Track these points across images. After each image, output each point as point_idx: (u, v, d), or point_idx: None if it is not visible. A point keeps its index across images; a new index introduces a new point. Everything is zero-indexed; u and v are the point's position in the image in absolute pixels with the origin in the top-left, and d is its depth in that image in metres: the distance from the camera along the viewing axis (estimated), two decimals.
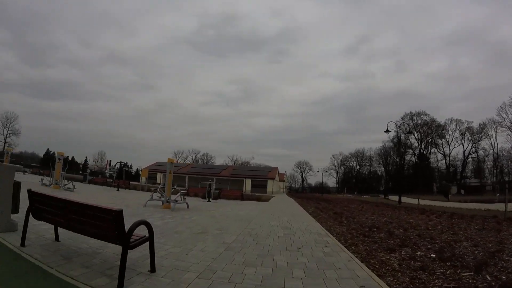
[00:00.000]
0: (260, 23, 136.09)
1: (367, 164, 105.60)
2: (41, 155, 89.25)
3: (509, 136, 66.90)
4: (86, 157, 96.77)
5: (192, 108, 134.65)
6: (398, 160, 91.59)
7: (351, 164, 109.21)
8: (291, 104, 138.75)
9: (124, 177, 71.00)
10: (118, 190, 26.22)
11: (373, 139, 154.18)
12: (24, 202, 5.11)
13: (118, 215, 3.41)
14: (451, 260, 5.50)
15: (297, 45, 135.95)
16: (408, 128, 24.33)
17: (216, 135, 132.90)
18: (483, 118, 75.45)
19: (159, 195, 14.35)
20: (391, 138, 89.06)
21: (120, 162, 31.33)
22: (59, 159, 22.23)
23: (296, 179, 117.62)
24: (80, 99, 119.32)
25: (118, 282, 3.25)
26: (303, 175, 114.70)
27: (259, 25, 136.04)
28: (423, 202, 28.96)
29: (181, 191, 14.46)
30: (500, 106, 66.68)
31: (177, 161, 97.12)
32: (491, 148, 74.50)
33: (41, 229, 5.55)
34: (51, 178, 22.28)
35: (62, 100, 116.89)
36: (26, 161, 66.57)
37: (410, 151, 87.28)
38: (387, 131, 25.84)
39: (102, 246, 4.86)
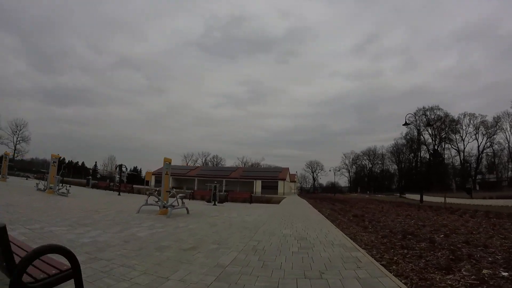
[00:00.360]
0: (269, 23, 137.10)
1: (379, 162, 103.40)
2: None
3: None
4: (96, 162, 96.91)
5: (203, 110, 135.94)
6: (413, 156, 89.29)
7: (363, 163, 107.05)
8: (301, 105, 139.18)
9: (132, 180, 70.88)
10: (119, 194, 24.89)
11: (384, 138, 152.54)
12: None
13: None
14: None
15: (306, 45, 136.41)
16: (427, 120, 22.25)
17: (227, 136, 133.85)
18: (497, 112, 72.26)
19: (156, 199, 12.76)
20: (403, 135, 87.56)
21: (121, 164, 29.80)
22: (53, 162, 20.93)
23: (307, 180, 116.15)
24: (92, 105, 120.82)
25: None
26: (314, 175, 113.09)
27: (268, 26, 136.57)
28: (438, 199, 26.86)
29: (179, 195, 12.79)
30: None
31: (187, 164, 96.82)
32: (507, 142, 71.68)
33: None
34: (46, 183, 21.10)
35: (74, 105, 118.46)
36: (37, 167, 65.84)
37: (424, 147, 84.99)
38: (406, 124, 23.89)
39: None
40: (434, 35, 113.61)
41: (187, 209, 12.64)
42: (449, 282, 4.06)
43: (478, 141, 77.71)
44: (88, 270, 3.84)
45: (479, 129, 76.53)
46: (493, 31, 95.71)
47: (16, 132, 73.91)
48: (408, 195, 42.76)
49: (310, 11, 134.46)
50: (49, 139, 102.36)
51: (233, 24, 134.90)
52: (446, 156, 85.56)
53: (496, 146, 74.38)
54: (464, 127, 78.90)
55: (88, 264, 4.17)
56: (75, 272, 2.38)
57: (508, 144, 71.35)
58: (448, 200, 26.58)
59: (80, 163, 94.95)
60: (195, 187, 62.15)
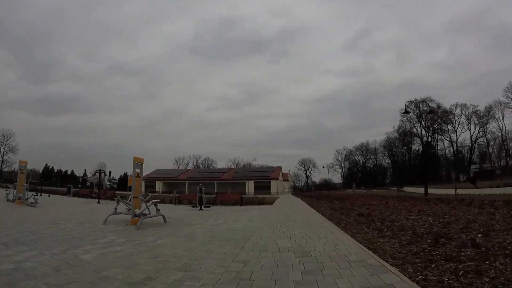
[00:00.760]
0: (260, 24, 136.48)
1: (373, 157, 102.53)
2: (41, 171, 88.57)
3: None
4: (85, 170, 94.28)
5: (198, 114, 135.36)
6: (406, 149, 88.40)
7: (356, 158, 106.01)
8: (296, 104, 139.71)
9: (123, 187, 68.71)
10: (98, 202, 22.77)
11: (378, 133, 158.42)
12: None
13: None
14: None
15: (298, 44, 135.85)
16: (428, 108, 20.69)
17: (224, 139, 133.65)
18: (489, 102, 72.12)
19: (128, 207, 10.72)
20: (396, 128, 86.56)
21: (100, 169, 27.63)
22: (21, 169, 18.77)
23: (300, 178, 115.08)
24: (85, 113, 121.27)
25: None
26: (307, 173, 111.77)
27: (259, 26, 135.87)
28: (449, 191, 25.33)
29: (152, 201, 10.81)
30: (507, 87, 63.23)
31: (178, 167, 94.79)
32: (499, 131, 71.36)
33: None
34: (14, 191, 19.12)
35: (66, 115, 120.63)
36: (27, 178, 63.01)
37: (418, 139, 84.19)
38: (406, 112, 22.29)
39: None
40: (424, 28, 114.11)
41: (163, 217, 10.66)
42: None
43: (470, 131, 77.41)
44: None
45: (471, 119, 76.32)
46: (482, 22, 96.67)
47: (3, 142, 72.78)
48: (406, 189, 41.26)
49: (301, 10, 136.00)
50: (39, 149, 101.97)
51: (225, 26, 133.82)
52: (439, 147, 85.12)
53: (489, 135, 74.17)
54: (456, 118, 78.69)
55: None
56: None
57: (501, 133, 71.11)
58: (453, 191, 25.05)
59: (69, 172, 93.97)
60: (186, 191, 60.05)
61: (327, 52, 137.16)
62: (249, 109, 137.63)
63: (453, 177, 57.77)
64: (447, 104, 76.45)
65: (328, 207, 16.59)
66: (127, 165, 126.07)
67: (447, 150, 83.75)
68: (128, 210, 10.48)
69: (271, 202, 23.40)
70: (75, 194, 34.38)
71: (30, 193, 18.73)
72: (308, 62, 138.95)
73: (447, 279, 3.73)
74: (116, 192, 31.03)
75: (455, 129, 79.36)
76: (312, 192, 70.68)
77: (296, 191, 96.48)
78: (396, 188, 49.92)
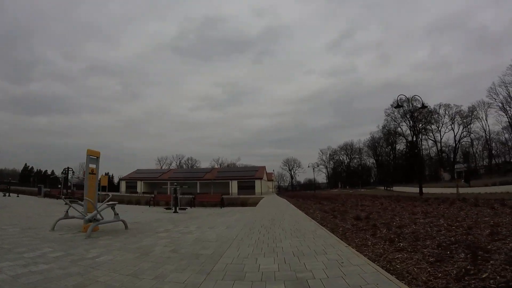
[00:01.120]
0: (244, 23, 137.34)
1: (357, 156, 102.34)
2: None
3: (499, 118, 64.15)
4: (64, 169, 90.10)
5: (181, 114, 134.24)
6: (390, 149, 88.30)
7: (340, 158, 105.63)
8: (279, 103, 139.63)
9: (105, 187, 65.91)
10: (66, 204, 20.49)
11: (362, 132, 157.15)
12: None
13: None
14: None
15: (282, 44, 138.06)
16: (422, 103, 19.55)
17: (207, 139, 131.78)
18: (471, 102, 73.20)
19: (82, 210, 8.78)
20: (380, 128, 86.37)
21: (67, 167, 25.35)
22: None
23: (284, 178, 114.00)
24: (66, 113, 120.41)
25: None
26: (292, 172, 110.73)
27: (243, 26, 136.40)
28: (442, 190, 24.19)
29: (107, 203, 8.91)
30: (490, 87, 63.66)
31: (161, 167, 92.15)
32: (483, 130, 72.03)
33: None
34: None
35: (47, 115, 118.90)
36: (6, 178, 62.29)
37: (403, 139, 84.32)
38: (398, 106, 20.96)
39: None
40: (406, 29, 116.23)
41: (124, 222, 8.78)
42: None
43: (454, 131, 77.87)
44: None
45: (455, 119, 76.83)
46: (463, 25, 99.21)
47: None
48: (395, 188, 40.26)
49: (285, 10, 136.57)
50: (20, 149, 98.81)
51: (208, 26, 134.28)
52: (423, 147, 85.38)
53: (472, 135, 74.70)
54: (440, 118, 79.06)
55: None
56: None
57: (485, 133, 71.68)
58: (445, 190, 23.94)
59: (49, 172, 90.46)
60: (168, 191, 57.80)
61: (311, 52, 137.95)
62: (233, 109, 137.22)
63: (443, 177, 57.26)
64: (430, 104, 77.10)
65: (317, 208, 14.97)
66: (108, 166, 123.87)
67: (431, 150, 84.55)
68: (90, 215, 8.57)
69: (254, 203, 21.63)
70: (46, 195, 32.35)
71: None
72: (292, 62, 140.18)
73: None
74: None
75: (439, 129, 79.97)
76: (297, 192, 69.30)
77: (281, 191, 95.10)
78: (383, 188, 48.90)
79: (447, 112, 77.66)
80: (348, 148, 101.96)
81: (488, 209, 10.03)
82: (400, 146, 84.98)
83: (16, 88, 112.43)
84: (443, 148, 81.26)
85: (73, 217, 8.79)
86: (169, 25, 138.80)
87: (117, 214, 8.84)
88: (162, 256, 5.25)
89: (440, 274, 3.80)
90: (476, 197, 14.93)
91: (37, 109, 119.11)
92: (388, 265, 4.28)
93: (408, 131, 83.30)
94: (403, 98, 59.02)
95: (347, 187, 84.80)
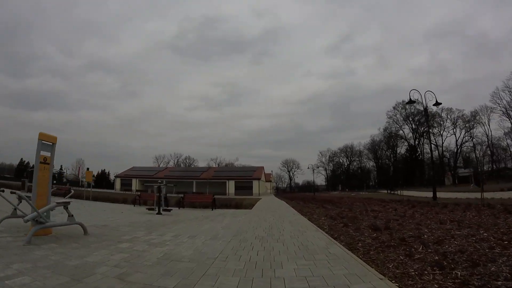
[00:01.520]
0: (243, 24, 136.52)
1: (357, 159, 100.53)
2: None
3: (501, 123, 63.48)
4: (61, 166, 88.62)
5: (179, 114, 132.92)
6: (390, 152, 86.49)
7: (340, 160, 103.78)
8: (277, 105, 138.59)
9: (100, 184, 64.30)
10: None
11: (360, 136, 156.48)
12: None
13: None
14: None
15: (281, 45, 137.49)
16: (436, 100, 17.88)
17: (205, 139, 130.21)
18: (473, 107, 71.73)
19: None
20: (382, 130, 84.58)
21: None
22: None
23: (283, 179, 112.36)
24: (64, 109, 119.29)
25: None
26: (291, 174, 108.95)
27: (242, 27, 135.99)
28: (451, 195, 22.31)
29: (59, 201, 7.02)
30: (494, 91, 62.85)
31: (158, 165, 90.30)
32: (485, 135, 70.95)
33: None
34: None
35: (45, 110, 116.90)
36: (3, 172, 64.07)
37: (403, 142, 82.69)
38: (410, 102, 19.08)
39: None
40: (405, 34, 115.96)
41: (82, 226, 6.87)
42: None
43: (456, 136, 76.28)
44: None
45: (457, 123, 75.22)
46: (462, 31, 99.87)
47: None
48: (398, 192, 38.31)
49: (285, 11, 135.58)
50: (17, 144, 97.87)
51: (208, 25, 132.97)
52: (425, 151, 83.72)
53: (475, 140, 73.23)
54: (441, 122, 77.41)
55: None
56: None
57: (487, 138, 70.08)
58: (457, 195, 22.07)
59: None
60: (173, 191, 55.54)
61: (310, 53, 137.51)
62: (231, 109, 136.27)
63: (450, 181, 55.30)
64: (430, 108, 75.21)
65: (322, 214, 13.05)
66: (105, 163, 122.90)
67: (432, 154, 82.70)
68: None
69: (250, 205, 19.64)
70: (30, 189, 30.09)
71: None
72: (291, 63, 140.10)
73: None
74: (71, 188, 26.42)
75: (441, 133, 78.36)
76: (296, 194, 67.38)
77: (279, 192, 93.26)
78: (386, 191, 46.98)
79: (449, 116, 76.21)
80: (348, 151, 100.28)
81: None
82: (401, 149, 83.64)
83: (14, 82, 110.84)
84: (444, 153, 79.79)
85: (21, 217, 6.88)
86: (168, 24, 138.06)
87: (72, 215, 6.93)
88: (98, 285, 3.35)
89: None
90: (502, 202, 13.06)
91: (35, 104, 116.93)
92: None
93: (410, 134, 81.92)
94: (404, 101, 57.32)
95: (347, 189, 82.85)
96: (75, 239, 6.33)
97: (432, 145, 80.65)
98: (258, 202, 24.78)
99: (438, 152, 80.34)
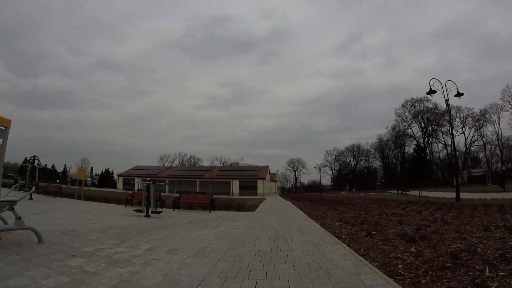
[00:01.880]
0: (251, 24, 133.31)
1: (364, 158, 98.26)
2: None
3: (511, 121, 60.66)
4: (65, 165, 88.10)
5: (186, 113, 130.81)
6: (398, 151, 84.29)
7: (347, 160, 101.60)
8: (284, 104, 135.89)
9: (104, 183, 63.06)
10: (31, 198, 17.14)
11: (367, 136, 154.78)
12: None
13: None
14: None
15: (288, 45, 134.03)
16: (457, 90, 16.12)
17: (211, 138, 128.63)
18: (484, 105, 69.28)
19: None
20: (390, 129, 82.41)
21: (34, 156, 21.96)
22: None
23: (288, 179, 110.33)
24: (72, 108, 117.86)
25: None
26: (296, 173, 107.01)
27: (250, 26, 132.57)
28: (472, 195, 20.40)
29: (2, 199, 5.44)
30: (504, 89, 60.78)
31: (163, 164, 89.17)
32: (495, 134, 68.47)
33: None
34: None
35: (53, 109, 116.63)
36: (8, 171, 59.11)
37: (412, 141, 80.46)
38: (431, 91, 17.29)
39: None
40: (414, 34, 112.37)
41: (34, 231, 5.31)
42: None
43: (465, 135, 73.97)
44: None
45: (466, 122, 72.87)
46: (471, 31, 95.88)
47: None
48: (410, 192, 36.40)
49: (293, 11, 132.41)
50: (23, 142, 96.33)
51: (215, 25, 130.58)
52: (434, 150, 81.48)
53: (485, 139, 71.01)
54: (452, 119, 74.91)
55: None
56: None
57: (497, 137, 67.76)
58: (479, 195, 20.16)
59: (50, 166, 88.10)
60: (166, 189, 54.39)
61: (317, 53, 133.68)
62: (238, 108, 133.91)
63: (465, 180, 53.11)
64: (439, 106, 73.59)
65: (335, 217, 11.30)
66: (111, 162, 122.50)
67: (440, 153, 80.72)
68: None
69: (254, 207, 17.87)
70: (22, 188, 28.90)
71: None
72: (298, 63, 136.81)
73: None
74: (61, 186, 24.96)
75: (449, 132, 76.03)
76: (302, 194, 65.57)
77: (284, 192, 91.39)
78: (397, 191, 44.92)
79: (457, 115, 73.60)
80: (355, 150, 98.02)
81: None
82: (410, 148, 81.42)
83: (23, 81, 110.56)
84: (453, 152, 77.41)
85: None
86: (176, 23, 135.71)
87: (19, 218, 5.31)
88: None
89: None
90: None
91: (42, 103, 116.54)
92: None
93: (420, 133, 79.71)
94: (414, 98, 55.11)
95: (354, 189, 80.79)
96: (23, 248, 4.94)
97: (442, 144, 78.72)
98: (262, 203, 23.04)
99: (447, 151, 78.26)
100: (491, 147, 70.96)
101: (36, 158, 21.80)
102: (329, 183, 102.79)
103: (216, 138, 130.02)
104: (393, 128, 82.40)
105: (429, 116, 77.08)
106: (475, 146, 74.06)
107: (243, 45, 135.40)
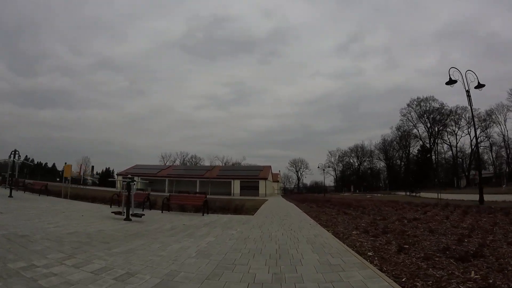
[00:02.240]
0: (252, 24, 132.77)
1: (368, 159, 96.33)
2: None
3: None
4: (66, 163, 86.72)
5: (186, 113, 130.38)
6: (402, 152, 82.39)
7: (351, 160, 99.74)
8: (285, 105, 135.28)
9: (104, 182, 61.82)
10: (11, 195, 15.77)
11: (368, 136, 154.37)
12: None
13: None
14: None
15: (289, 45, 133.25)
16: (478, 81, 14.62)
17: (212, 138, 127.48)
18: (490, 105, 67.47)
19: None
20: (394, 129, 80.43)
21: (14, 151, 20.42)
22: None
23: (290, 179, 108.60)
24: (72, 107, 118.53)
25: None
26: (299, 174, 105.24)
27: (251, 26, 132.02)
28: (491, 197, 18.67)
29: None
30: (511, 89, 59.43)
31: (165, 164, 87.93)
32: (501, 135, 66.75)
33: None
34: None
35: (53, 108, 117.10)
36: (5, 170, 58.47)
37: (417, 142, 78.55)
38: (451, 81, 15.59)
39: None
40: (415, 34, 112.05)
41: None
42: None
43: (470, 136, 71.84)
44: None
45: (471, 122, 70.92)
46: (473, 32, 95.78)
47: None
48: (423, 194, 34.60)
49: (293, 11, 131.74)
50: (24, 141, 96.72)
51: (216, 25, 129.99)
52: (440, 150, 79.57)
53: (491, 140, 69.19)
54: (458, 119, 73.23)
55: None
56: None
57: (503, 138, 65.90)
58: (498, 197, 18.48)
59: (50, 165, 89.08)
60: (166, 189, 52.95)
61: (318, 54, 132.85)
62: (239, 108, 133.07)
63: (477, 181, 51.14)
64: (444, 107, 72.04)
65: (348, 223, 9.61)
66: (111, 162, 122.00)
67: (446, 154, 78.93)
68: None
69: (253, 209, 16.12)
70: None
71: None
72: (299, 63, 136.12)
73: None
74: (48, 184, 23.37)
75: (455, 132, 74.22)
76: (305, 195, 63.77)
77: (287, 193, 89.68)
78: (405, 193, 43.05)
79: (463, 116, 71.80)
80: (358, 150, 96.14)
81: None
82: (414, 149, 79.43)
83: (23, 80, 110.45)
84: (458, 153, 75.53)
85: None
86: (177, 23, 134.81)
87: None
88: None
89: None
90: None
91: (43, 102, 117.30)
92: None
93: (425, 133, 77.77)
94: (420, 97, 53.07)
95: (357, 191, 78.98)
96: None
97: (447, 145, 76.78)
98: (263, 205, 21.32)
99: (452, 152, 76.52)
100: (496, 149, 69.26)
101: (17, 152, 20.18)
102: (333, 183, 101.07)
103: (216, 138, 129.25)
104: (398, 128, 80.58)
105: (435, 116, 75.11)
106: (481, 148, 72.14)
107: (243, 45, 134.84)
